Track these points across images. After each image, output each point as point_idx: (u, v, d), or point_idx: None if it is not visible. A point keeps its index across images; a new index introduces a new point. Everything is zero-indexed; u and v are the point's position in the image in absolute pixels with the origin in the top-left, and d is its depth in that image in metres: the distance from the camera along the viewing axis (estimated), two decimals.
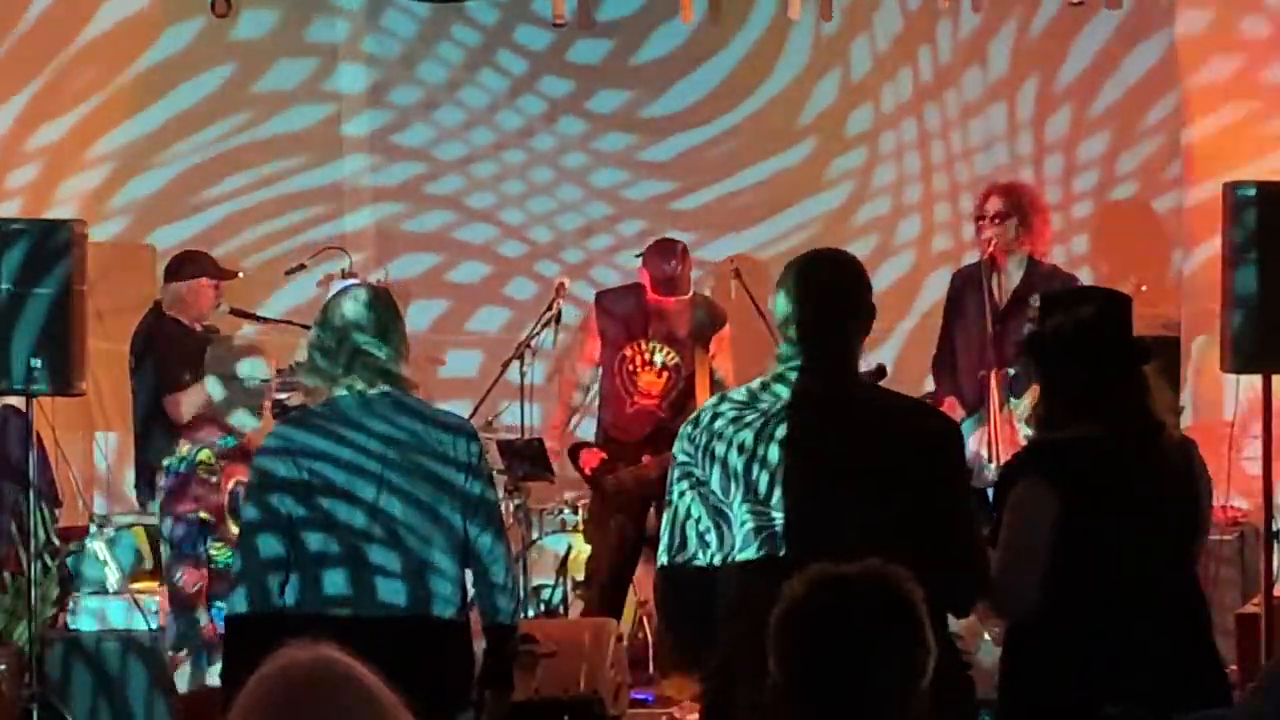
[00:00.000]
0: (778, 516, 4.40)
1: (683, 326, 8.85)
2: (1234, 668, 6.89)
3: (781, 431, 4.43)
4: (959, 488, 4.54)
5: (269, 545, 5.06)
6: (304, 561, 5.05)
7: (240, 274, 9.39)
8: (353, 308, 5.18)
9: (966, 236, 9.42)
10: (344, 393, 5.13)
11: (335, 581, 5.05)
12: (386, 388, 5.14)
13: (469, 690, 5.17)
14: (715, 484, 4.47)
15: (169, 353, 8.91)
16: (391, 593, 5.05)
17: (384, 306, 5.23)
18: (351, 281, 9.51)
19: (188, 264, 9.09)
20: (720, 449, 4.46)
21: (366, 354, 5.14)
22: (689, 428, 4.56)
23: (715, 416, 4.52)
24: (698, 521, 4.50)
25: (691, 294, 8.88)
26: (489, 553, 5.14)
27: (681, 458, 4.54)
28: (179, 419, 8.85)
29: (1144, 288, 8.18)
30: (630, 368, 8.86)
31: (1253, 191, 7.30)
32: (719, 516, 4.46)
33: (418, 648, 4.94)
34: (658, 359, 8.85)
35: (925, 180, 10.24)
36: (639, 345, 8.85)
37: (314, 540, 5.05)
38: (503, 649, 5.25)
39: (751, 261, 9.78)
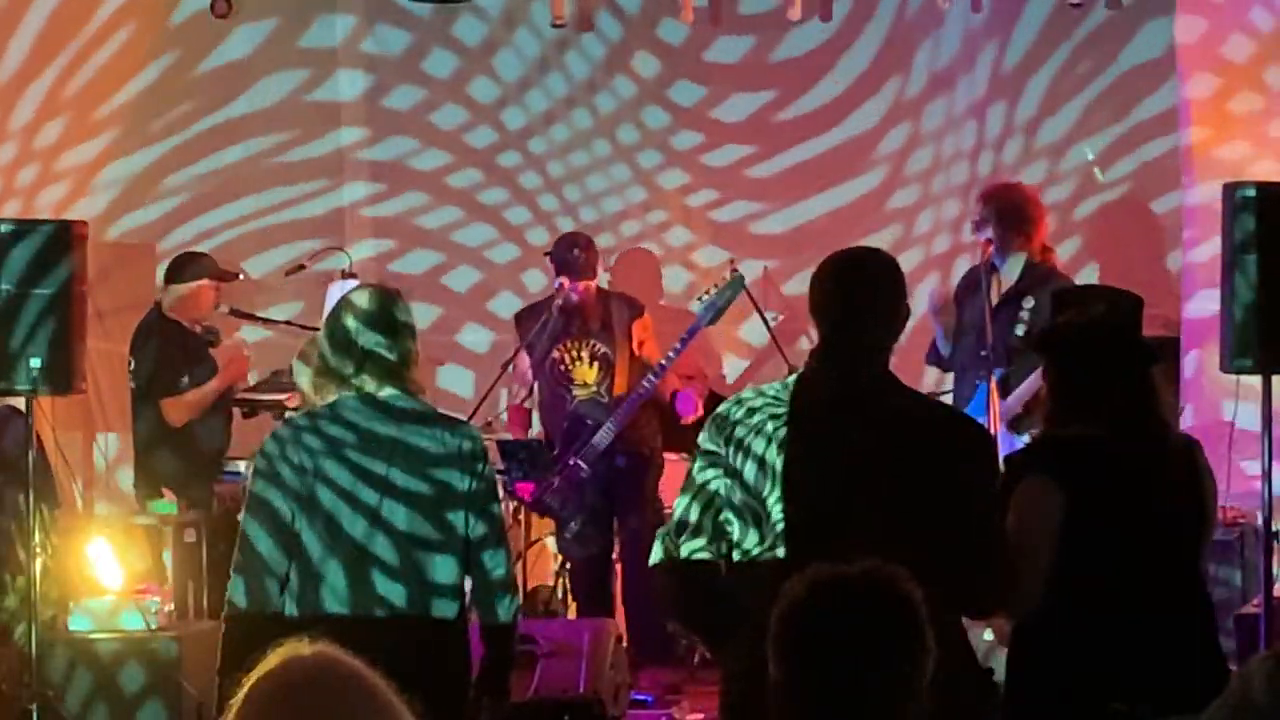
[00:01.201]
0: (814, 515, 4.38)
1: (598, 318, 9.03)
2: (1234, 668, 6.89)
3: (809, 430, 4.40)
4: (989, 495, 4.51)
5: (268, 545, 5.05)
6: (304, 562, 5.05)
7: (240, 275, 9.40)
8: (363, 308, 5.17)
9: (966, 238, 9.46)
10: (351, 394, 5.13)
11: (335, 582, 5.04)
12: (394, 390, 5.14)
13: (468, 692, 5.16)
14: (749, 477, 4.42)
15: (169, 356, 8.91)
16: (391, 594, 5.04)
17: (394, 307, 5.22)
18: (352, 281, 9.53)
19: (190, 266, 9.09)
20: (758, 444, 4.42)
21: (377, 355, 5.12)
22: (718, 419, 4.52)
23: (751, 411, 4.47)
24: (718, 512, 4.45)
25: (598, 286, 9.09)
26: (490, 556, 5.13)
27: (709, 446, 4.49)
28: (177, 423, 8.86)
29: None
30: (563, 367, 9.03)
31: (1253, 191, 7.29)
32: (745, 509, 4.43)
33: (416, 648, 4.94)
34: (585, 353, 8.99)
35: (924, 182, 10.24)
36: (565, 345, 9.00)
37: (315, 541, 5.04)
38: (502, 651, 5.24)
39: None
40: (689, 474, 4.54)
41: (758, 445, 4.43)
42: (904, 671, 2.98)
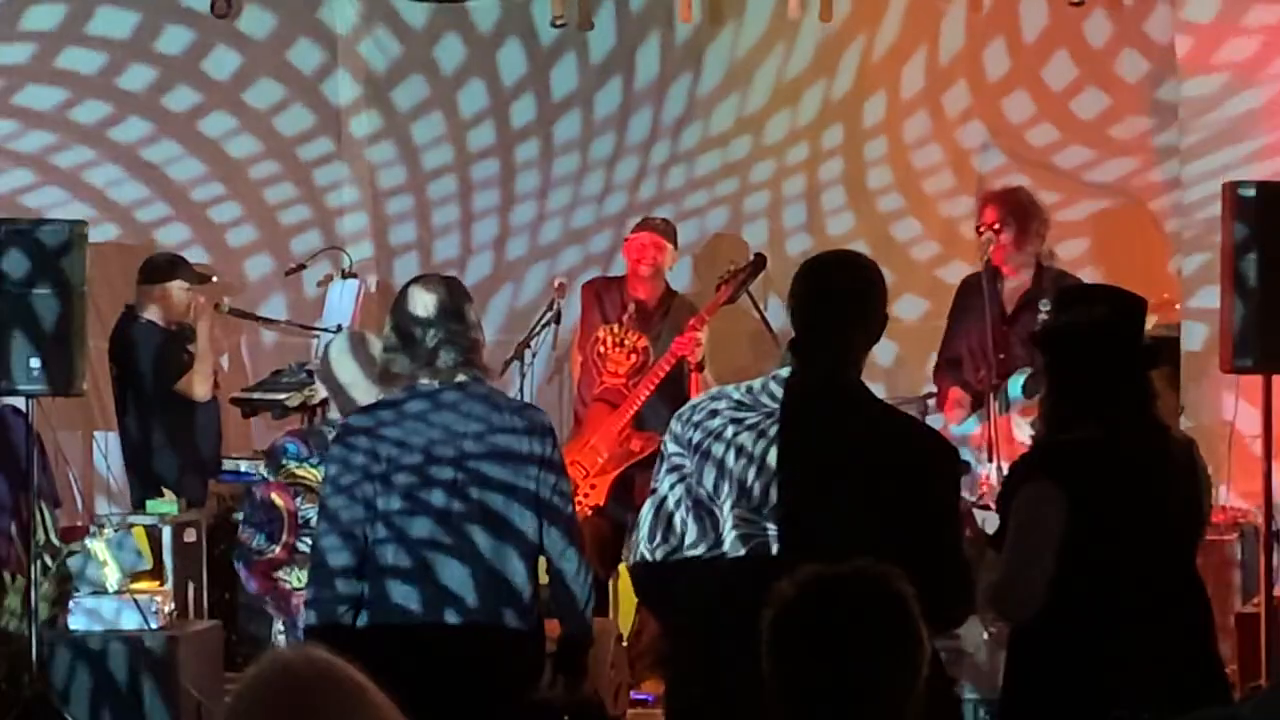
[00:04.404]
0: (769, 525, 4.35)
1: (657, 314, 9.00)
2: (1234, 668, 6.90)
3: (776, 435, 4.39)
4: (950, 509, 4.49)
5: (341, 555, 5.06)
6: (376, 569, 5.06)
7: (215, 278, 9.39)
8: (433, 296, 5.20)
9: (955, 239, 9.46)
10: (425, 381, 5.15)
11: (407, 589, 5.06)
12: (466, 377, 5.15)
13: (531, 696, 5.23)
14: (707, 482, 4.41)
15: (153, 353, 8.91)
16: (463, 598, 5.06)
17: (460, 295, 5.26)
18: (353, 281, 9.53)
19: (162, 267, 9.11)
20: (718, 449, 4.41)
21: (449, 342, 5.15)
22: (680, 421, 4.51)
23: (713, 413, 4.46)
24: (670, 515, 4.45)
25: (666, 285, 9.08)
26: (559, 550, 5.17)
27: (672, 447, 4.49)
28: (205, 395, 8.89)
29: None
30: (601, 349, 8.99)
31: (1253, 191, 7.31)
32: (703, 512, 4.41)
33: (490, 652, 5.01)
34: (627, 341, 8.97)
35: (923, 181, 10.23)
36: (612, 329, 8.98)
37: (385, 547, 5.06)
38: (574, 649, 5.35)
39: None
40: (657, 469, 4.55)
41: (716, 449, 4.42)
42: (900, 669, 2.98)
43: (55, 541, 7.69)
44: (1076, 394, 4.83)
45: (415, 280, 5.40)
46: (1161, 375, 4.92)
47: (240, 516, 6.48)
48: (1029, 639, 4.79)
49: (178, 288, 9.05)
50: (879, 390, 5.47)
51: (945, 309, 8.78)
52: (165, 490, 8.74)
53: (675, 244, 9.13)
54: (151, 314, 9.01)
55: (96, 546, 7.68)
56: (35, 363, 7.38)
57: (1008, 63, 10.06)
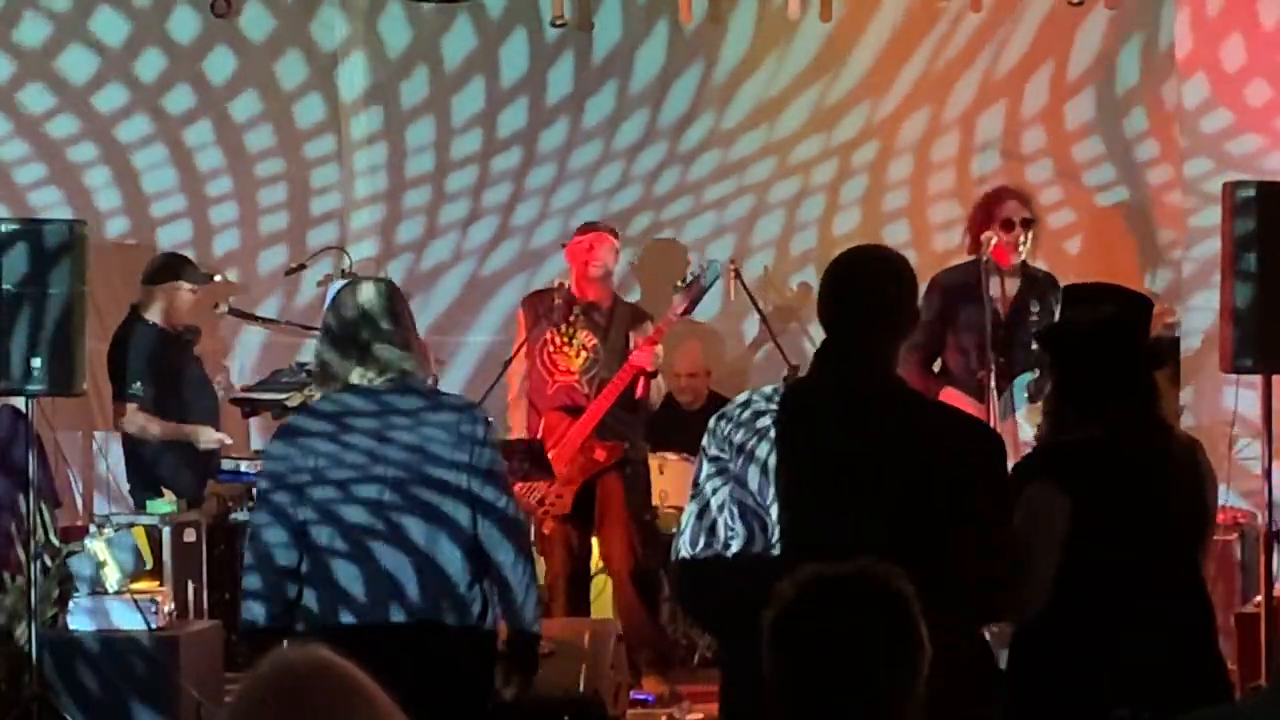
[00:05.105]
0: (806, 518, 4.35)
1: (605, 316, 9.00)
2: (1234, 668, 6.90)
3: (801, 434, 4.36)
4: (1000, 502, 4.43)
5: (280, 551, 5.07)
6: (314, 571, 5.06)
7: (217, 277, 9.39)
8: (365, 298, 5.21)
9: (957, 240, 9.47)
10: (355, 383, 5.15)
11: (345, 590, 5.05)
12: (398, 375, 5.16)
13: (488, 697, 5.19)
14: (752, 484, 4.38)
15: (133, 359, 8.91)
16: (400, 598, 5.05)
17: (394, 297, 5.26)
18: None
19: (166, 268, 9.11)
20: (762, 450, 4.38)
21: (379, 344, 5.15)
22: (724, 422, 4.46)
23: (755, 415, 4.42)
24: (716, 517, 4.41)
25: (612, 293, 9.09)
26: (495, 546, 5.15)
27: (714, 451, 4.44)
28: (116, 428, 8.88)
29: None
30: (550, 350, 8.98)
31: (1253, 191, 7.31)
32: (749, 514, 4.39)
33: (431, 652, 4.97)
34: (576, 340, 8.95)
35: (922, 182, 10.24)
36: (559, 329, 8.98)
37: (322, 549, 5.06)
38: (521, 646, 5.32)
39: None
40: (695, 478, 4.52)
41: (761, 449, 4.39)
42: (898, 669, 2.97)
43: (55, 541, 7.69)
44: (1079, 393, 4.82)
45: (347, 282, 5.43)
46: (1164, 375, 4.91)
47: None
48: (1031, 639, 4.78)
49: (181, 288, 9.05)
50: None
51: None
52: (165, 490, 8.75)
53: (619, 245, 9.15)
54: (155, 315, 9.01)
55: (96, 546, 7.68)
56: (35, 363, 7.38)
57: (1007, 62, 10.07)
